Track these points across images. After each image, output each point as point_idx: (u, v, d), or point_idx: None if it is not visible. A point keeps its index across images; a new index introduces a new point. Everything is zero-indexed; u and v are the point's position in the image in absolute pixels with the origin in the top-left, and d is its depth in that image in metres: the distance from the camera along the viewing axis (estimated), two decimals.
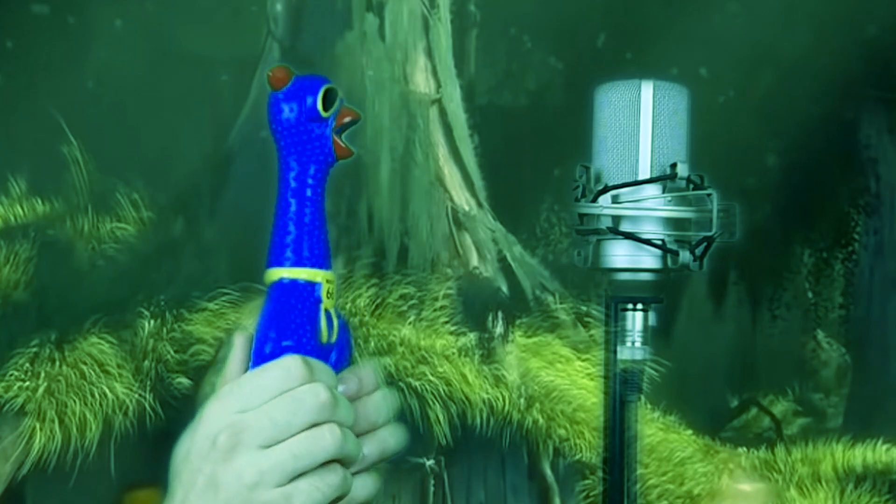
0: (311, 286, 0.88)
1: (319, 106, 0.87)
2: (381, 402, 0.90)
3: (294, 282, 0.87)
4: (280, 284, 0.88)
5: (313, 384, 0.84)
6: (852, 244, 12.43)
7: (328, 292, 0.89)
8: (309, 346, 0.87)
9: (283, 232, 0.88)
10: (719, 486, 7.51)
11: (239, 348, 0.88)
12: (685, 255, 1.87)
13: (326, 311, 0.89)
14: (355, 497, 0.87)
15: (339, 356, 0.90)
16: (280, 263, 0.88)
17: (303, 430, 0.83)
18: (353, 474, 0.86)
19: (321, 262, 0.89)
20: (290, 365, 0.84)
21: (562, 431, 6.59)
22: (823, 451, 8.15)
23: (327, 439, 0.83)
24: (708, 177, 1.89)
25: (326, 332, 0.89)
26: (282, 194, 0.89)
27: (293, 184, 0.88)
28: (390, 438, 0.89)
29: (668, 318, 9.96)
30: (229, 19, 11.02)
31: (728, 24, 11.41)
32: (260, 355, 0.87)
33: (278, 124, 0.88)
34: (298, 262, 0.88)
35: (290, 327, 0.87)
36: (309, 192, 0.88)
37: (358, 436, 0.87)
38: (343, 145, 0.89)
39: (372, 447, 0.88)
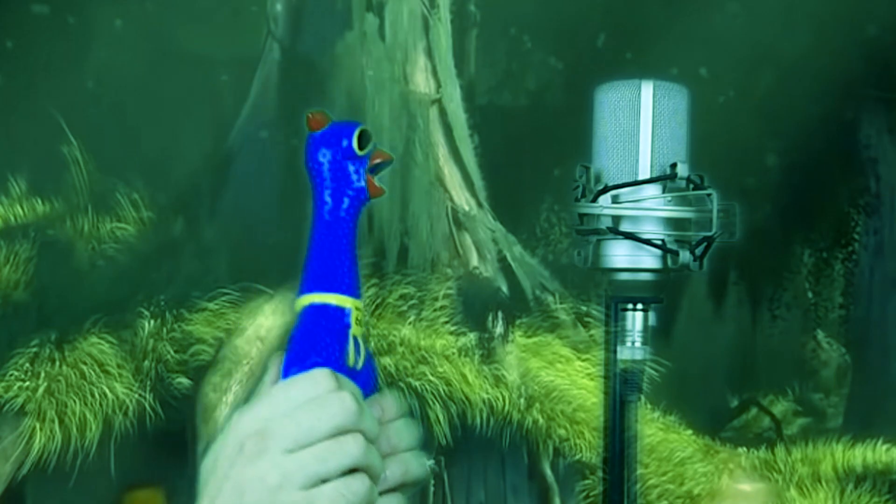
0: (341, 311, 0.91)
1: (355, 144, 0.91)
2: (403, 429, 0.91)
3: (324, 305, 0.91)
4: (310, 308, 0.91)
5: (340, 391, 0.85)
6: (852, 244, 12.43)
7: (357, 319, 0.92)
8: (336, 365, 0.89)
9: (316, 262, 0.92)
10: (719, 486, 7.51)
11: (275, 370, 0.89)
12: (685, 255, 1.87)
13: (355, 338, 0.91)
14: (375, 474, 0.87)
15: (364, 386, 0.91)
16: (311, 290, 0.91)
17: (328, 437, 0.84)
18: (379, 494, 0.87)
19: (352, 290, 0.92)
20: (317, 375, 0.86)
21: (562, 431, 6.60)
22: (823, 451, 8.15)
23: (352, 445, 0.84)
24: (708, 177, 1.89)
25: (354, 357, 0.91)
26: (316, 227, 0.92)
27: (327, 217, 0.92)
28: (413, 462, 0.90)
29: (668, 318, 9.96)
30: (229, 19, 11.03)
31: (728, 24, 11.41)
32: (289, 372, 0.88)
33: (315, 162, 0.92)
34: (329, 288, 0.91)
35: (318, 347, 0.89)
36: (342, 225, 0.92)
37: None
38: (377, 186, 0.93)
39: (394, 469, 0.88)
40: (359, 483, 0.84)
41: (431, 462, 0.94)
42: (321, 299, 0.90)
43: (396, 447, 0.89)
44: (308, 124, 0.92)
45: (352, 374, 0.89)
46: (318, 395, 0.84)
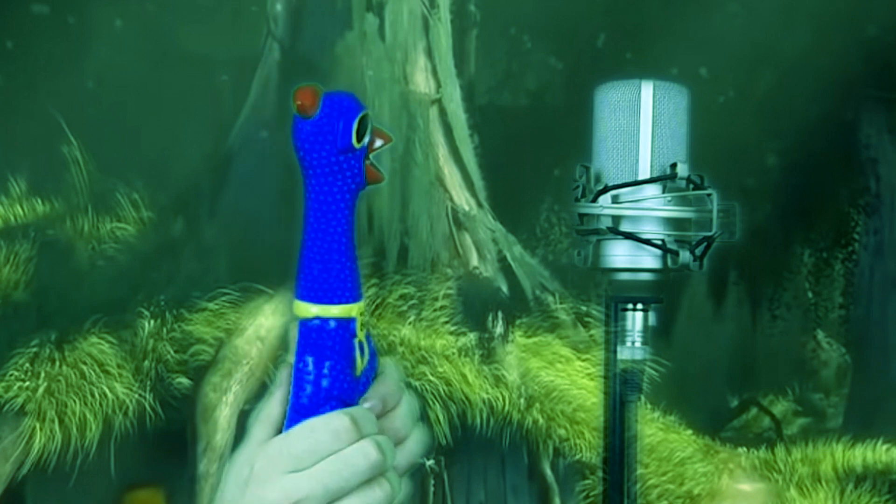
0: (346, 323, 0.87)
1: (353, 138, 0.83)
2: (406, 415, 0.91)
3: (326, 322, 0.86)
4: (313, 325, 0.86)
5: (362, 444, 0.85)
6: (852, 244, 12.43)
7: (361, 325, 0.88)
8: (347, 388, 0.87)
9: (312, 263, 0.86)
10: (719, 486, 7.51)
11: (284, 384, 0.89)
12: (685, 255, 1.87)
13: (359, 343, 0.88)
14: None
15: (366, 377, 0.90)
16: (311, 298, 0.86)
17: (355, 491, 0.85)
18: None
19: (353, 295, 0.87)
20: (338, 427, 0.85)
21: (562, 431, 6.59)
22: (823, 451, 8.15)
23: (379, 498, 0.86)
24: (708, 177, 1.89)
25: (360, 363, 0.88)
26: (310, 223, 0.85)
27: (322, 213, 0.85)
28: (416, 447, 0.91)
29: (668, 318, 9.97)
30: (229, 19, 11.04)
31: (728, 24, 11.41)
32: (298, 401, 0.87)
33: (306, 153, 0.84)
34: (332, 299, 0.86)
35: (327, 373, 0.86)
36: (338, 222, 0.85)
37: None
38: (374, 170, 0.86)
39: (401, 459, 0.89)
40: None
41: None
42: (323, 313, 0.86)
43: (402, 437, 0.90)
44: (297, 108, 0.83)
45: (357, 380, 0.88)
46: (342, 449, 0.85)
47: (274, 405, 0.89)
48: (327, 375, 0.86)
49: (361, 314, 0.88)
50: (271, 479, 0.85)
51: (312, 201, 0.85)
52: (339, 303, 0.86)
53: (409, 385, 0.93)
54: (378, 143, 0.86)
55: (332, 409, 0.86)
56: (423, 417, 0.93)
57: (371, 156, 0.86)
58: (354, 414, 0.86)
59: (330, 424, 0.85)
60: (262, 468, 0.85)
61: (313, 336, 0.86)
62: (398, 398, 0.91)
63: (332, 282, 0.86)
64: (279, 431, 0.87)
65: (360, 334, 0.88)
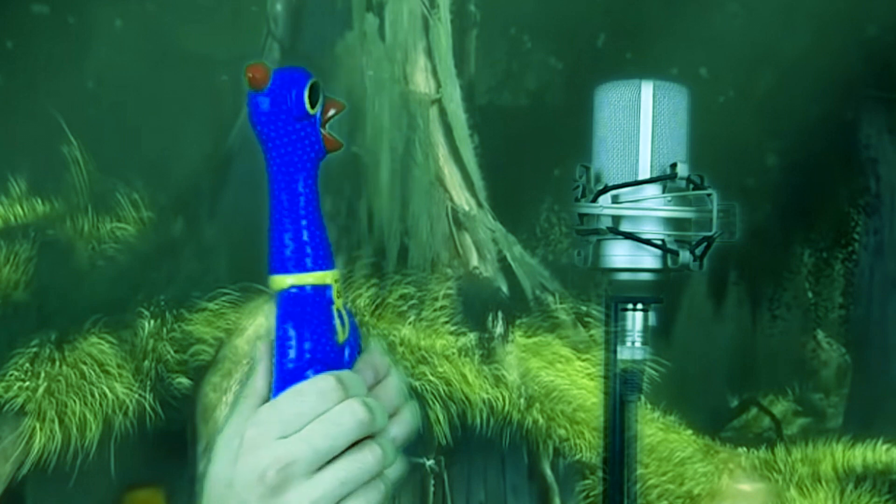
0: (322, 290, 0.87)
1: (306, 104, 0.85)
2: (395, 386, 0.92)
3: (303, 289, 0.87)
4: (289, 293, 0.87)
5: (349, 402, 0.85)
6: (852, 244, 12.44)
7: (337, 292, 0.88)
8: (330, 352, 0.87)
9: (282, 235, 0.87)
10: (719, 486, 7.51)
11: (265, 358, 0.89)
12: (685, 255, 1.87)
13: (339, 311, 0.88)
14: (388, 483, 0.89)
15: (351, 350, 0.90)
16: (286, 269, 0.87)
17: (346, 450, 0.85)
18: None
19: (326, 262, 0.88)
20: (324, 387, 0.86)
21: (562, 431, 6.59)
22: (823, 451, 8.15)
23: (370, 460, 0.86)
24: (708, 177, 1.89)
25: (342, 332, 0.89)
26: (275, 196, 0.86)
27: (285, 185, 0.86)
28: (411, 417, 0.91)
29: (668, 318, 9.97)
30: (229, 19, 11.04)
31: (728, 24, 11.41)
32: (283, 369, 0.87)
33: (262, 125, 0.85)
34: (305, 267, 0.87)
35: (308, 338, 0.87)
36: (302, 192, 0.86)
37: None
38: (332, 138, 0.87)
39: (398, 430, 0.90)
40: (376, 492, 0.86)
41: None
42: (299, 281, 0.86)
43: (396, 407, 0.90)
44: (248, 83, 0.84)
45: (340, 347, 0.89)
46: (329, 409, 0.85)
47: (257, 379, 0.89)
48: (308, 339, 0.87)
49: (336, 282, 0.88)
50: (262, 445, 0.85)
51: (275, 173, 0.86)
52: (313, 270, 0.87)
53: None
54: (331, 111, 0.87)
55: (317, 373, 0.87)
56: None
57: (327, 125, 0.87)
58: (340, 375, 0.86)
59: (315, 385, 0.86)
60: (252, 436, 0.85)
61: (291, 303, 0.87)
62: (386, 370, 0.91)
63: (304, 250, 0.87)
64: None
65: (338, 302, 0.88)
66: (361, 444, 0.85)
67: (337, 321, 0.88)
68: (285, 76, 0.85)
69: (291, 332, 0.87)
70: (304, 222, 0.86)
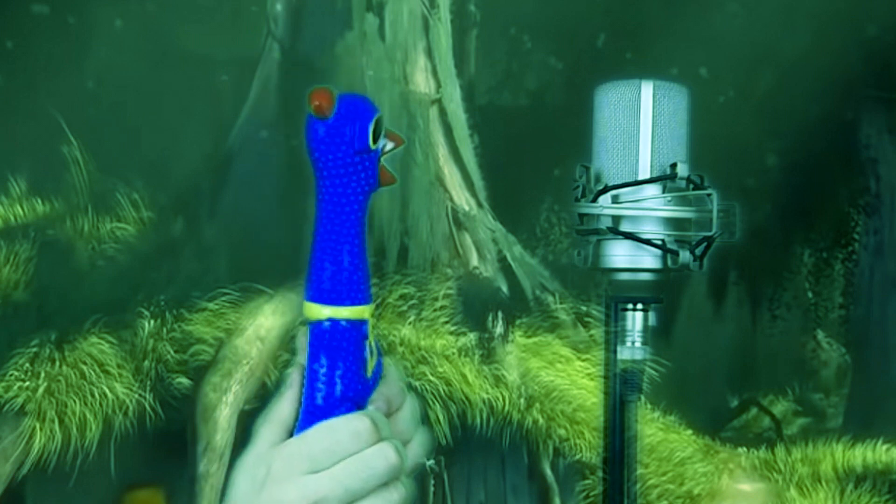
0: (359, 325, 0.86)
1: (370, 140, 0.84)
2: (410, 418, 0.91)
3: (339, 323, 0.86)
4: (325, 327, 0.86)
5: (382, 445, 0.85)
6: (852, 244, 12.43)
7: (372, 326, 0.88)
8: (361, 389, 0.87)
9: (323, 264, 0.85)
10: (719, 486, 7.51)
11: (295, 385, 0.89)
12: (685, 255, 1.87)
13: (370, 345, 0.88)
14: None
15: (374, 379, 0.90)
16: (322, 300, 0.85)
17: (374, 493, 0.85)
18: None
19: (365, 297, 0.86)
20: (359, 428, 0.85)
21: (562, 431, 6.59)
22: (823, 451, 8.15)
23: (395, 499, 0.86)
24: (708, 177, 1.89)
25: (370, 366, 0.88)
26: (322, 224, 0.85)
27: (334, 214, 0.85)
28: (420, 449, 0.91)
29: (668, 318, 9.96)
30: (229, 19, 11.04)
31: (728, 24, 11.41)
32: (312, 403, 0.86)
33: (321, 154, 0.84)
34: (344, 301, 0.85)
35: (341, 375, 0.86)
36: (350, 223, 0.85)
37: None
38: (388, 173, 0.86)
39: (411, 460, 0.90)
40: None
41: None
42: (335, 314, 0.85)
43: (406, 439, 0.90)
44: (314, 110, 0.82)
45: (369, 381, 0.88)
46: (361, 450, 0.85)
47: (284, 406, 0.88)
48: (342, 377, 0.86)
49: (371, 316, 0.88)
50: (289, 479, 0.84)
51: (326, 202, 0.85)
52: (351, 304, 0.86)
53: (409, 386, 0.93)
54: (389, 145, 0.87)
55: (347, 411, 0.86)
56: (424, 419, 0.94)
57: (382, 158, 0.86)
58: (374, 416, 0.86)
59: (350, 425, 0.85)
60: (279, 469, 0.85)
61: (326, 338, 0.86)
62: (402, 400, 0.91)
63: (344, 283, 0.85)
64: (290, 433, 0.87)
65: (371, 336, 0.88)
66: (388, 485, 0.85)
67: (367, 354, 0.88)
68: (351, 106, 0.84)
69: (325, 369, 0.86)
70: (346, 254, 0.85)
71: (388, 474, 0.85)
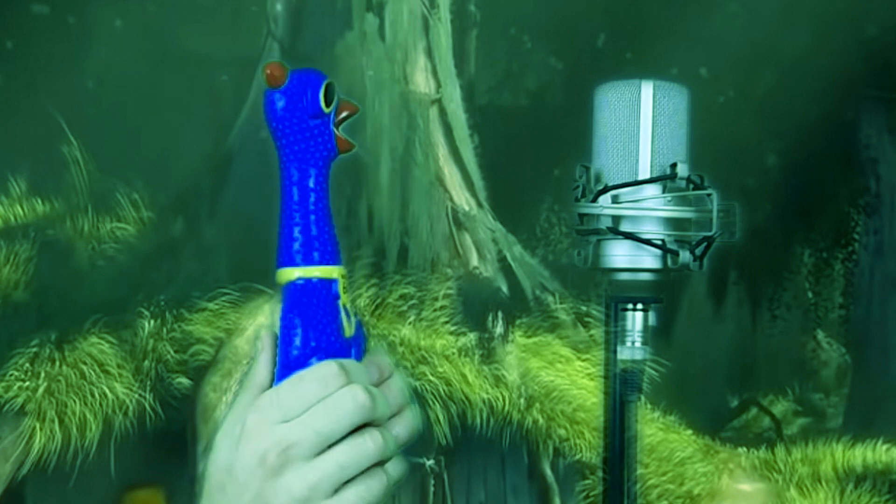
0: (329, 283, 0.88)
1: (322, 103, 0.87)
2: (398, 387, 0.92)
3: (310, 280, 0.88)
4: (297, 284, 0.88)
5: (350, 387, 0.85)
6: (852, 244, 12.44)
7: (343, 287, 0.90)
8: (335, 342, 0.88)
9: (292, 230, 0.88)
10: (719, 486, 7.51)
11: (267, 348, 0.89)
12: (685, 255, 1.87)
13: (344, 307, 0.89)
14: (389, 478, 0.89)
15: (357, 350, 0.91)
16: (293, 263, 0.88)
17: (346, 435, 0.85)
18: None
19: (334, 257, 0.89)
20: (326, 373, 0.86)
21: (562, 431, 6.60)
22: (823, 451, 8.15)
23: (370, 446, 0.86)
24: (708, 177, 1.89)
25: (348, 327, 0.89)
26: (286, 192, 0.89)
27: (297, 181, 0.88)
28: (412, 418, 0.92)
29: (668, 318, 9.97)
30: (229, 19, 11.04)
31: (728, 24, 11.41)
32: (287, 357, 0.87)
33: (278, 122, 0.87)
34: (312, 260, 0.88)
35: (313, 327, 0.87)
36: (313, 188, 0.88)
37: None
38: (344, 139, 0.89)
39: (401, 429, 0.90)
40: (377, 482, 0.86)
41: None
42: (306, 273, 0.88)
43: (399, 406, 0.91)
44: (266, 80, 0.87)
45: (346, 343, 0.89)
46: (330, 393, 0.85)
47: (259, 369, 0.89)
48: (314, 329, 0.87)
49: (343, 277, 0.89)
50: (263, 429, 0.85)
51: (287, 170, 0.89)
52: (320, 264, 0.88)
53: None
54: (344, 112, 0.89)
55: (320, 361, 0.87)
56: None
57: (340, 127, 0.89)
58: (342, 361, 0.87)
59: (317, 372, 0.86)
60: (252, 421, 0.86)
61: (297, 294, 0.88)
62: (390, 370, 0.92)
63: (312, 244, 0.88)
64: None
65: (344, 298, 0.89)
66: (362, 431, 0.85)
67: (343, 316, 0.89)
68: (302, 76, 0.88)
69: (297, 322, 0.87)
70: (313, 217, 0.88)
71: (358, 413, 0.85)
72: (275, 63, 0.88)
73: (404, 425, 0.90)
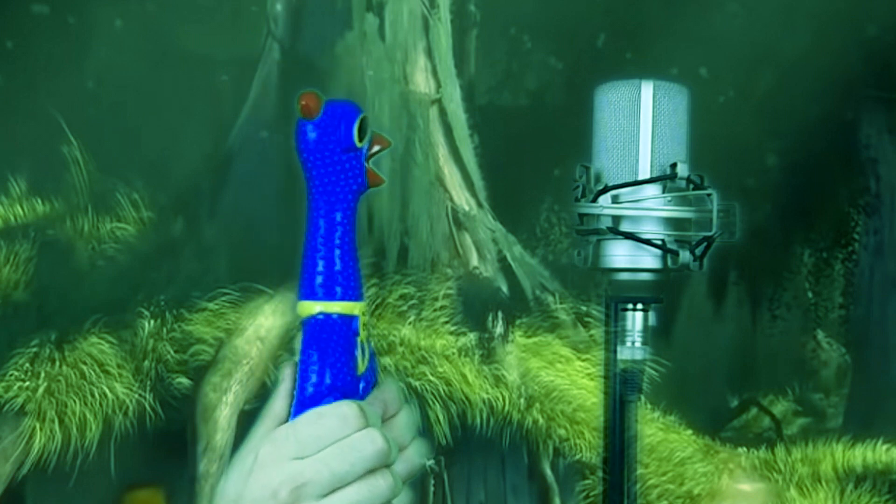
0: (349, 320, 0.88)
1: (355, 137, 0.86)
2: (406, 423, 0.92)
3: (330, 316, 0.87)
4: (317, 319, 0.87)
5: (369, 430, 0.86)
6: (852, 244, 12.44)
7: (363, 324, 0.89)
8: (349, 382, 0.88)
9: (316, 263, 0.87)
10: (719, 486, 7.51)
11: (287, 380, 0.89)
12: (685, 255, 1.86)
13: (361, 343, 0.89)
14: None
15: (366, 384, 0.91)
16: (314, 296, 0.87)
17: (360, 478, 0.85)
18: None
19: (356, 293, 0.88)
20: (345, 412, 0.86)
21: (562, 431, 6.60)
22: (823, 451, 8.15)
23: (382, 488, 0.85)
24: (708, 177, 1.89)
25: (362, 363, 0.89)
26: (312, 223, 0.87)
27: (324, 214, 0.87)
28: (416, 457, 0.92)
29: (668, 318, 9.97)
30: (229, 19, 11.04)
31: (728, 24, 11.41)
32: (302, 394, 0.87)
33: (310, 153, 0.87)
34: (334, 296, 0.87)
35: (330, 365, 0.87)
36: (340, 222, 0.87)
37: None
38: (375, 173, 0.89)
39: (402, 467, 0.90)
40: None
41: (431, 462, 0.94)
42: (326, 308, 0.87)
43: (403, 445, 0.91)
44: (300, 111, 0.86)
45: (357, 378, 0.89)
46: (348, 435, 0.85)
47: (278, 401, 0.89)
48: (331, 367, 0.87)
49: (363, 314, 0.89)
50: (276, 464, 0.85)
51: (315, 201, 0.87)
52: (342, 300, 0.88)
53: (409, 386, 0.94)
54: (376, 147, 0.89)
55: (335, 400, 0.87)
56: (423, 429, 0.94)
57: (370, 160, 0.89)
58: (362, 404, 0.87)
59: (337, 410, 0.86)
60: (266, 454, 0.85)
61: (317, 330, 0.87)
62: (399, 406, 0.92)
63: (335, 280, 0.87)
64: None
65: (362, 334, 0.89)
66: (374, 472, 0.85)
67: (359, 352, 0.89)
68: (337, 108, 0.87)
69: (314, 358, 0.87)
70: (338, 252, 0.87)
71: (374, 458, 0.85)
72: (310, 94, 0.86)
73: (405, 464, 0.90)
